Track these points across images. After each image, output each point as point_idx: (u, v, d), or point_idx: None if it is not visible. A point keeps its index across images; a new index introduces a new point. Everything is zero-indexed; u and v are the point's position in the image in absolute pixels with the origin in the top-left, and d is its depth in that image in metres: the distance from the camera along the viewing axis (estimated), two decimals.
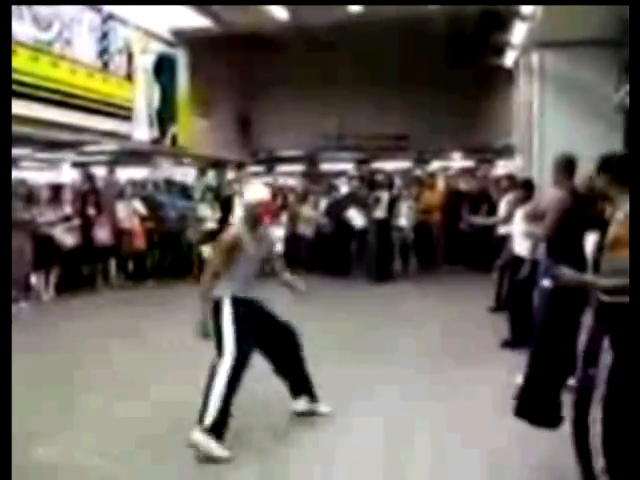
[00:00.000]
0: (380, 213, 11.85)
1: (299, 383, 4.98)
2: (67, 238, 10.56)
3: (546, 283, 4.83)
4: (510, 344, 6.79)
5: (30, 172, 16.36)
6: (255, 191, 4.83)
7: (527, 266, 6.39)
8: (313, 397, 5.01)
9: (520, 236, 6.61)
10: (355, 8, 13.19)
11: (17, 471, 3.56)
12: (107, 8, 13.02)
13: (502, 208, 8.17)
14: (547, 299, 4.87)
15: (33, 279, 10.32)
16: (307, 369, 4.99)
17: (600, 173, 3.43)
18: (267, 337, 4.78)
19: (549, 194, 5.66)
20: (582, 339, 4.01)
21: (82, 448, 4.62)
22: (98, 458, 4.43)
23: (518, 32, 11.86)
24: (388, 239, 11.96)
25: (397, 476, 4.14)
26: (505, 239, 7.65)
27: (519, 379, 4.91)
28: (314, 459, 4.40)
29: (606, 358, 3.13)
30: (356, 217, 12.11)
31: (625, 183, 3.27)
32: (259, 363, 4.81)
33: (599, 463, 3.14)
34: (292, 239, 12.82)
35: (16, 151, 13.50)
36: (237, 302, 4.57)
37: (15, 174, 11.61)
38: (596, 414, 3.16)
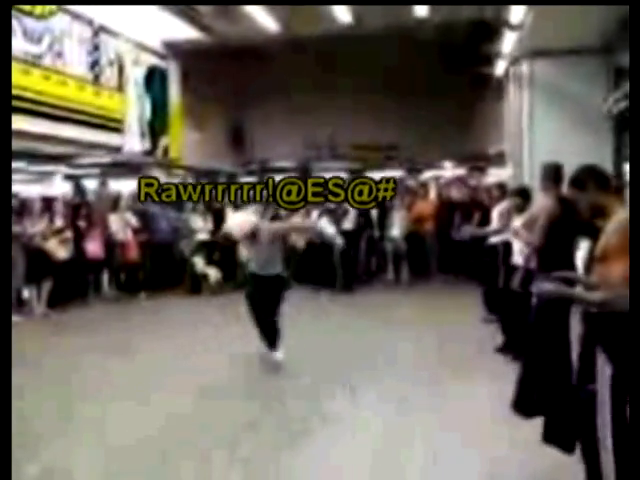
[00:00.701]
0: (348, 225, 11.90)
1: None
2: (60, 251, 10.55)
3: (534, 300, 4.71)
4: (503, 350, 6.79)
5: (22, 185, 16.28)
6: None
7: (520, 274, 6.35)
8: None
9: (518, 245, 6.56)
10: (345, 19, 13.22)
11: None
12: (98, 21, 13.03)
13: (494, 217, 8.16)
14: (533, 317, 4.74)
15: (25, 293, 10.30)
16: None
17: (584, 184, 3.26)
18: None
19: (538, 202, 5.69)
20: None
21: (78, 460, 4.58)
22: (96, 474, 4.40)
23: (507, 42, 11.94)
24: (356, 251, 12.08)
25: None
26: (496, 248, 7.63)
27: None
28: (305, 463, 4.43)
29: (604, 372, 2.92)
30: (327, 227, 12.05)
31: (610, 188, 3.19)
32: None
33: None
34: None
35: None
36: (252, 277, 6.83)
37: None
38: (606, 433, 2.92)
